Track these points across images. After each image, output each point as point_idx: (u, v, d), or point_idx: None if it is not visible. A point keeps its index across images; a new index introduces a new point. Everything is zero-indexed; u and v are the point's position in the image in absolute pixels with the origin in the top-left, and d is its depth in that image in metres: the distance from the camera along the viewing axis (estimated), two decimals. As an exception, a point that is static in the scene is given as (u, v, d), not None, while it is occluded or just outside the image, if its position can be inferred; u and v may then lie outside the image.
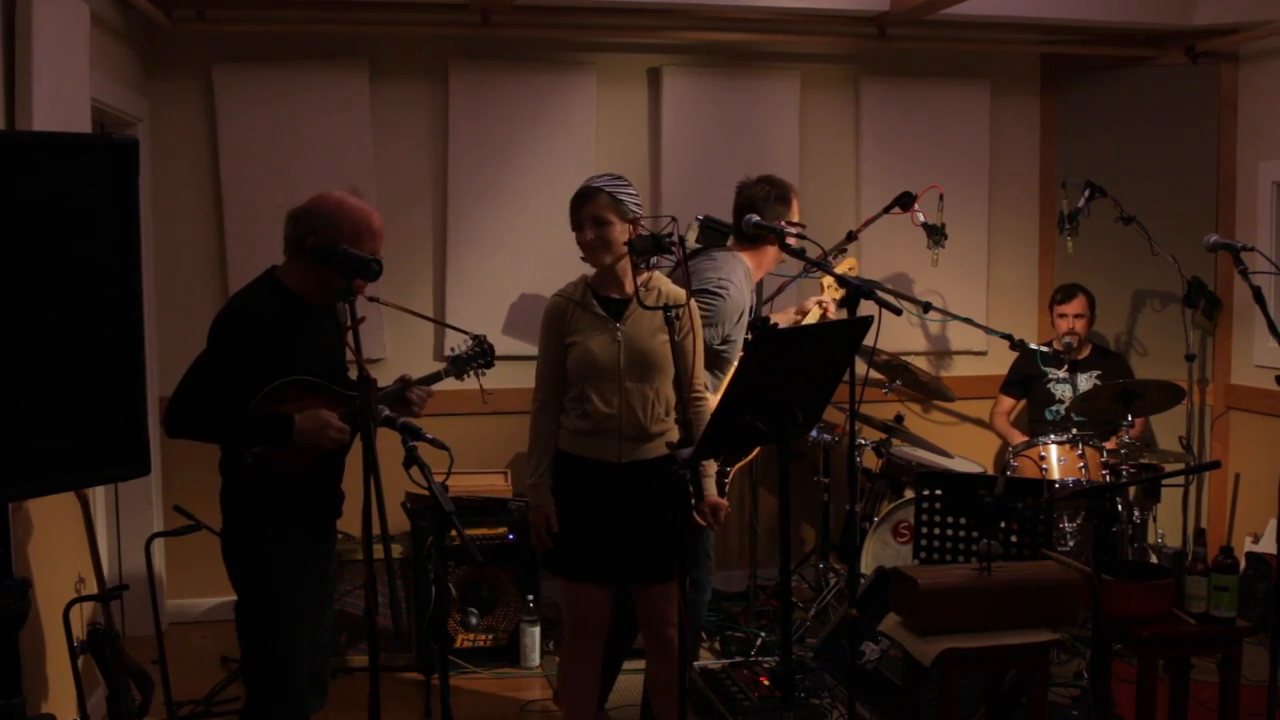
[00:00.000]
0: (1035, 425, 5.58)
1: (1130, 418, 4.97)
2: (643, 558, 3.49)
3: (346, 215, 3.06)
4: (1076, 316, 5.52)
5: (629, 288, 3.49)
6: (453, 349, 3.77)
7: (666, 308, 3.34)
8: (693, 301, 3.57)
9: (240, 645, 3.21)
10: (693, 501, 3.58)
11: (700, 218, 4.56)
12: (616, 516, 3.48)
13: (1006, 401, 5.79)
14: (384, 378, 3.53)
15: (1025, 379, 5.68)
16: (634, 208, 3.43)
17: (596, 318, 3.48)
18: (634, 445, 3.47)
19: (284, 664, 3.12)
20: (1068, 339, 5.49)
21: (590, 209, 3.40)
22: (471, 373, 3.69)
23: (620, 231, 3.39)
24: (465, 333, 3.78)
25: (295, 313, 3.10)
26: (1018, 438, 5.46)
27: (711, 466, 3.64)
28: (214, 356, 3.02)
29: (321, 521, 3.28)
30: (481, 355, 3.56)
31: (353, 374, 3.42)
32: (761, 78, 5.73)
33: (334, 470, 3.23)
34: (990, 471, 5.68)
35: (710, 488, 3.62)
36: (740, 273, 4.07)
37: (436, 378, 3.49)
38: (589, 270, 3.52)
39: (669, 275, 3.63)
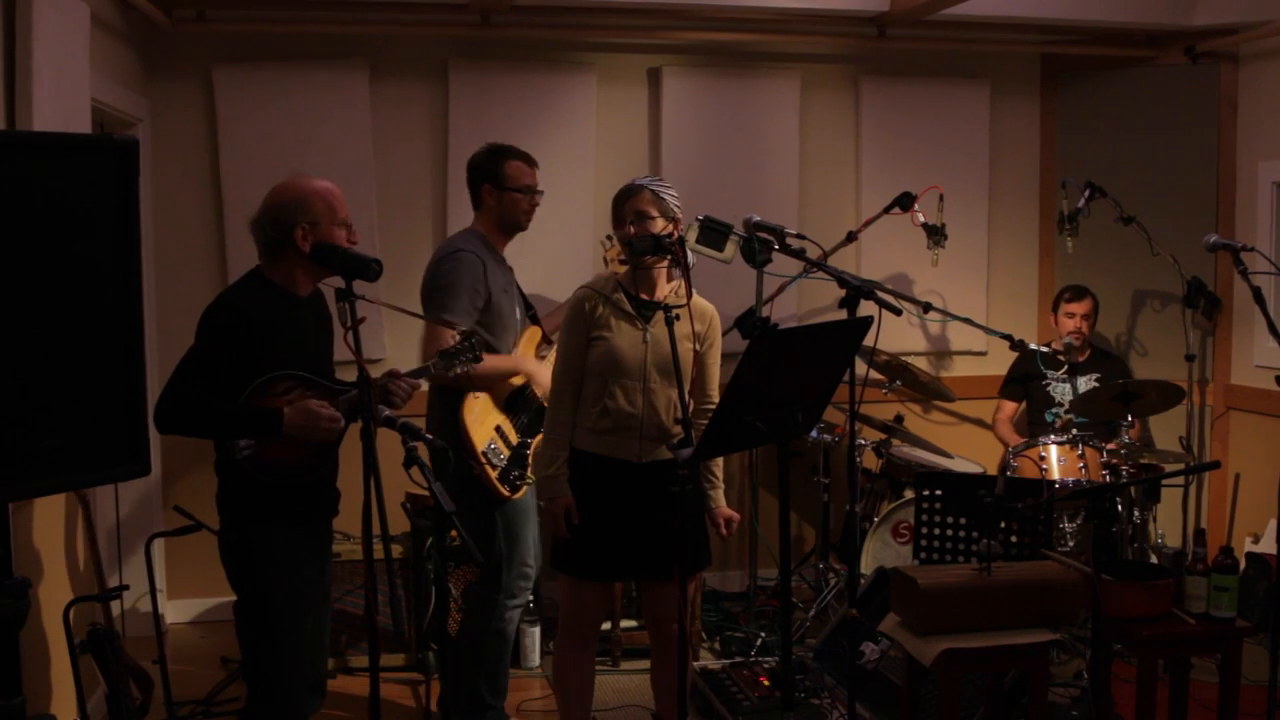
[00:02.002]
0: (1035, 428, 5.58)
1: (1130, 418, 4.97)
2: (651, 556, 3.50)
3: (314, 195, 3.09)
4: (1083, 317, 5.52)
5: (661, 291, 3.52)
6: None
7: (666, 307, 3.35)
8: (715, 315, 3.64)
9: (240, 645, 3.21)
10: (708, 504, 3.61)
11: (700, 217, 4.55)
12: (632, 516, 3.49)
13: (1009, 406, 5.76)
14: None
15: (1024, 378, 5.67)
16: (674, 207, 3.51)
17: (626, 315, 3.51)
18: (654, 445, 3.50)
19: (283, 663, 3.12)
20: (1070, 339, 5.47)
21: (634, 203, 3.48)
22: (459, 368, 3.72)
23: (661, 228, 3.44)
24: (452, 326, 3.80)
25: (282, 307, 3.12)
26: (1018, 440, 5.44)
27: (720, 474, 3.65)
28: (202, 350, 3.03)
29: (317, 520, 3.28)
30: (469, 350, 3.57)
31: (345, 374, 3.44)
32: (761, 78, 5.73)
33: (328, 467, 3.23)
34: (990, 472, 5.67)
35: (719, 499, 3.63)
36: (469, 241, 3.97)
37: (425, 372, 3.51)
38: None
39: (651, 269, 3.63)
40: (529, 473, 3.96)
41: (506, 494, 3.86)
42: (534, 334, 4.13)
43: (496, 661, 3.98)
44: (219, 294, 3.21)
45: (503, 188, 3.98)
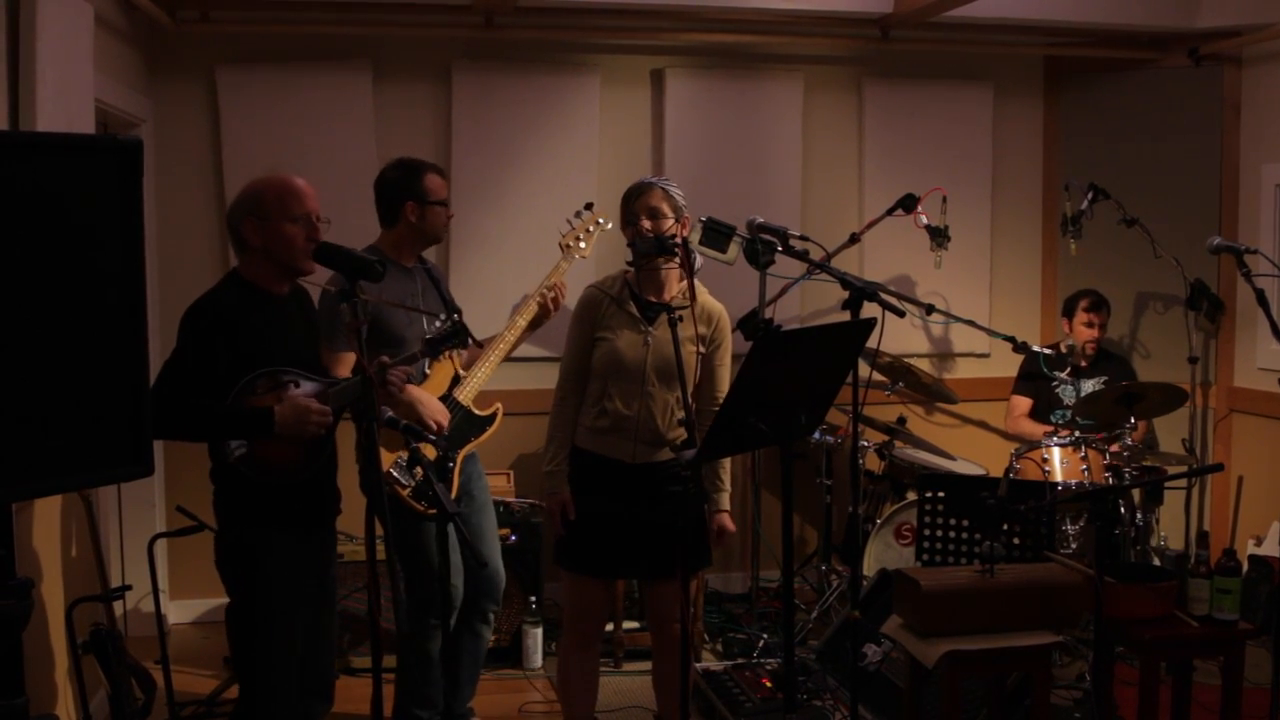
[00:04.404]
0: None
1: (1133, 420, 4.97)
2: (651, 556, 3.51)
3: (267, 187, 3.09)
4: (1100, 326, 5.50)
5: (669, 293, 3.52)
6: (428, 332, 3.78)
7: (669, 308, 3.36)
8: (724, 316, 3.63)
9: (230, 646, 3.21)
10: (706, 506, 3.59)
11: (703, 219, 4.55)
12: (627, 515, 3.49)
13: (1024, 402, 5.69)
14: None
15: (1034, 375, 5.62)
16: (682, 207, 3.53)
17: (630, 317, 3.51)
18: (649, 448, 3.50)
19: (274, 668, 3.11)
20: (1085, 345, 5.46)
21: (646, 200, 3.48)
22: (447, 353, 3.70)
23: (672, 226, 3.44)
24: (436, 316, 3.79)
25: (260, 305, 3.11)
26: (1043, 429, 5.39)
27: (727, 478, 3.64)
28: (183, 353, 3.02)
29: (318, 522, 3.27)
30: (455, 335, 3.55)
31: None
32: (765, 79, 5.73)
33: (326, 465, 3.22)
34: (992, 474, 5.65)
35: (721, 502, 3.62)
36: None
37: (414, 359, 3.50)
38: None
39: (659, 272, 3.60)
40: (453, 485, 3.90)
41: (422, 509, 3.75)
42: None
43: (421, 675, 3.91)
44: (197, 298, 3.19)
45: (425, 202, 3.86)
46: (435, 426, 3.72)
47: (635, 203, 3.50)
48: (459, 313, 4.03)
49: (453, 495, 3.88)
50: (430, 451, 3.79)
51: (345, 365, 3.66)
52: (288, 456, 3.05)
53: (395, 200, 3.88)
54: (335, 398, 3.08)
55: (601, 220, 4.33)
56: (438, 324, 3.54)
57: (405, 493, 3.74)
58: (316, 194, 3.15)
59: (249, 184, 3.14)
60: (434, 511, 3.68)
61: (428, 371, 3.84)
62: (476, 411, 4.00)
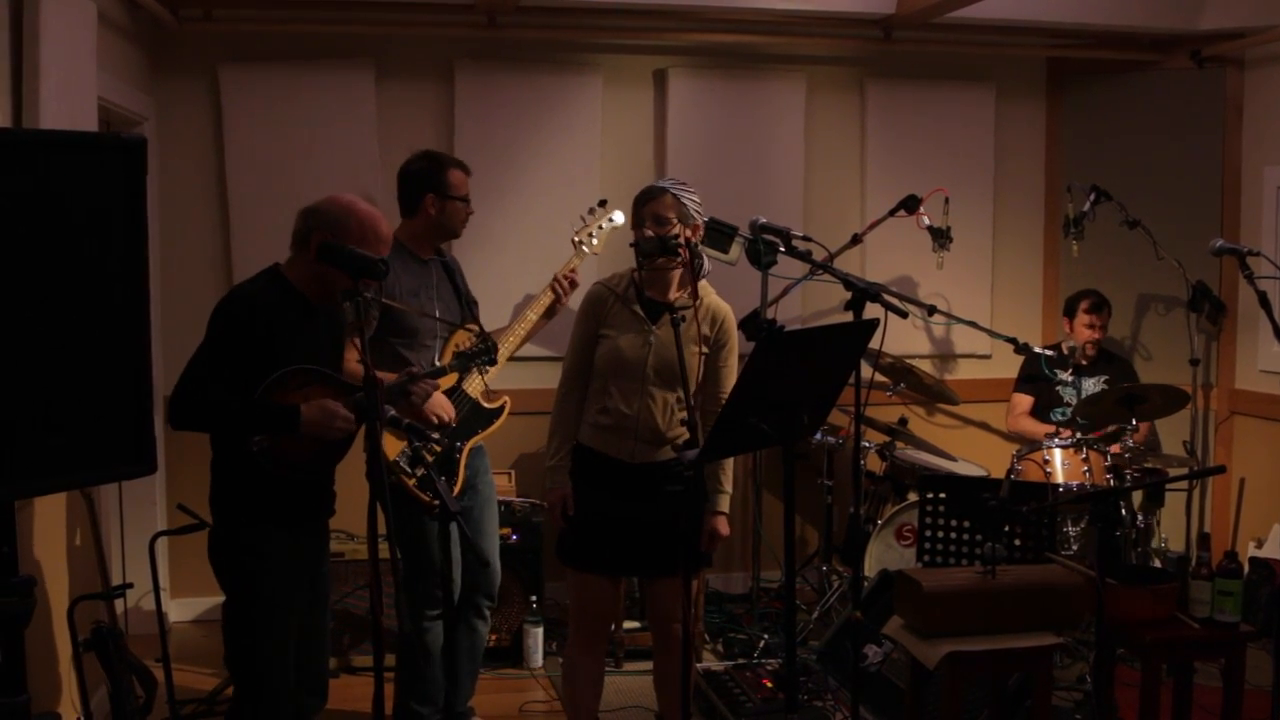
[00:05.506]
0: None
1: (1134, 421, 4.97)
2: (651, 554, 3.51)
3: (355, 217, 3.08)
4: (1101, 327, 5.51)
5: (674, 293, 3.52)
6: (458, 345, 3.80)
7: (671, 309, 3.35)
8: (729, 316, 3.61)
9: (225, 643, 3.21)
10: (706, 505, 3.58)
11: (705, 219, 4.56)
12: (626, 513, 3.49)
13: (1025, 400, 5.69)
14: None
15: (1035, 376, 5.63)
16: (695, 212, 3.48)
17: (633, 316, 3.51)
18: (649, 448, 3.50)
19: (268, 665, 3.11)
20: (1085, 346, 5.46)
21: (653, 206, 3.46)
22: (475, 369, 3.73)
23: (678, 233, 3.42)
24: (462, 327, 3.80)
25: (294, 308, 3.11)
26: (1045, 428, 5.39)
27: (728, 480, 3.63)
28: (215, 344, 3.01)
29: (313, 521, 3.28)
30: (485, 352, 3.58)
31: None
32: (767, 80, 5.73)
33: (331, 465, 3.22)
34: (994, 475, 5.65)
35: (719, 504, 3.60)
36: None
37: (442, 372, 3.51)
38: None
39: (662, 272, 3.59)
40: (459, 477, 3.90)
41: (428, 500, 3.74)
42: (464, 337, 4.00)
43: (420, 670, 3.91)
44: (232, 287, 3.20)
45: (446, 196, 3.89)
46: (438, 421, 3.73)
47: (644, 207, 3.48)
48: (475, 304, 4.06)
49: (458, 488, 3.89)
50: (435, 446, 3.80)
51: (353, 351, 3.67)
52: (307, 455, 3.06)
53: (416, 191, 3.91)
54: (359, 404, 3.09)
55: (614, 218, 4.36)
56: (478, 340, 3.58)
57: (411, 483, 3.75)
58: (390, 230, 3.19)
59: (342, 200, 3.11)
60: (438, 504, 3.70)
61: (438, 363, 3.84)
62: (484, 404, 4.01)
